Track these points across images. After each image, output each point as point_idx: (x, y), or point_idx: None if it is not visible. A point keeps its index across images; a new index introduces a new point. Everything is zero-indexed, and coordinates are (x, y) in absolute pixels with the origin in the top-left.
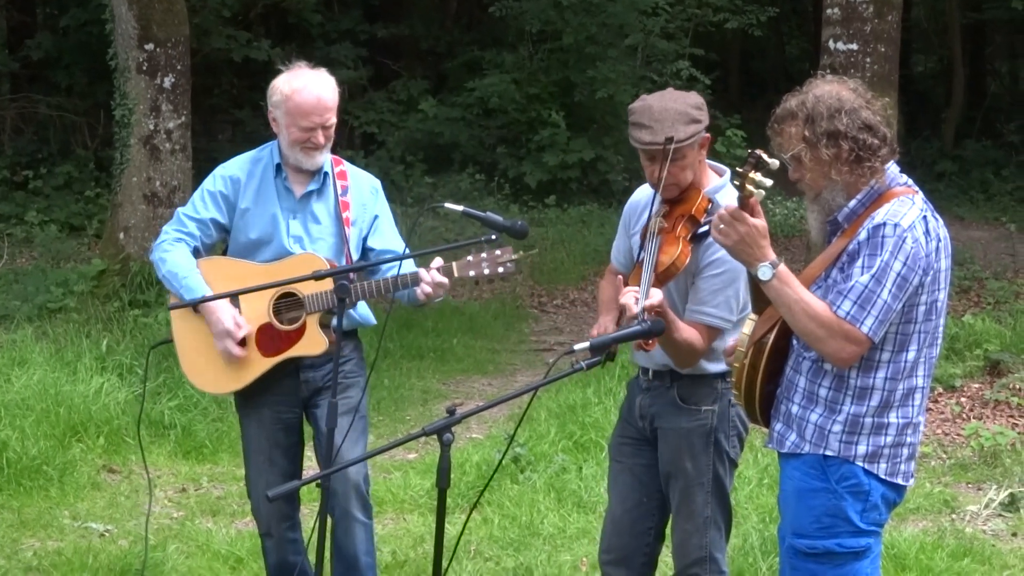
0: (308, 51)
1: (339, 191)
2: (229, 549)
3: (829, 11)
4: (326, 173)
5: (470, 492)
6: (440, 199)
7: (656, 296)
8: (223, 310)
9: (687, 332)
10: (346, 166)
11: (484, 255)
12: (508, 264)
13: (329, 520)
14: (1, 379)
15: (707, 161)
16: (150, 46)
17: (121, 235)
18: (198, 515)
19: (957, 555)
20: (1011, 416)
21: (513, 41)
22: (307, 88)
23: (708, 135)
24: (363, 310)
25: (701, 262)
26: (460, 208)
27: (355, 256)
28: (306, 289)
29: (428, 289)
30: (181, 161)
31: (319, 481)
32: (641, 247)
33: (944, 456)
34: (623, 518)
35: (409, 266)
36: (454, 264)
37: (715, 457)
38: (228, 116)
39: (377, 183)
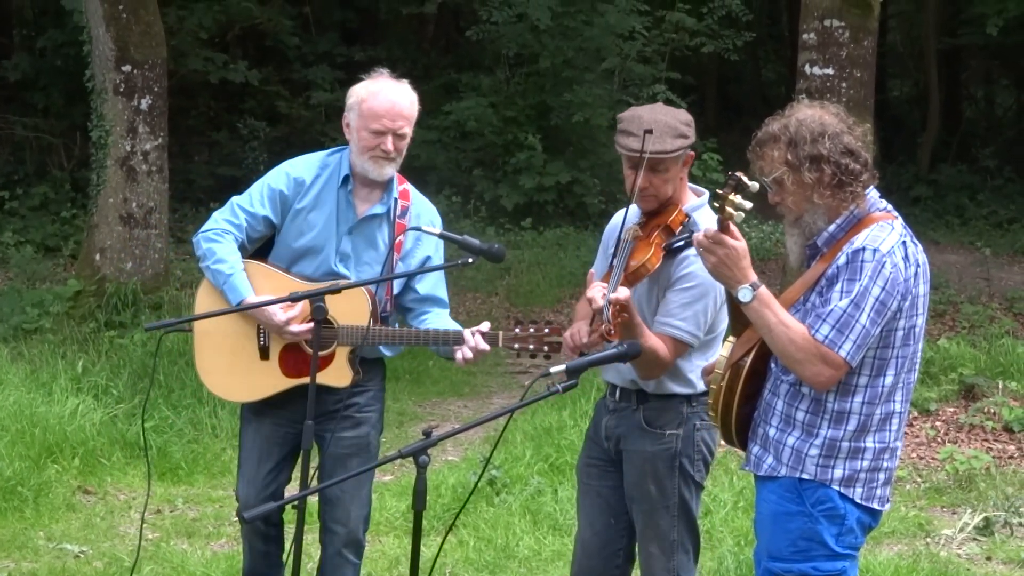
0: (285, 73)
1: (397, 212)
2: (204, 571)
3: (805, 36)
4: (395, 199)
5: (446, 514)
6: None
7: (623, 292)
8: (271, 308)
9: (652, 340)
10: (409, 187)
11: (532, 330)
12: (554, 343)
13: (319, 551)
14: None
15: (688, 183)
16: (127, 68)
17: (97, 256)
18: (173, 537)
19: None
20: (986, 440)
21: (490, 64)
22: (383, 92)
23: (692, 152)
24: None
25: (673, 275)
26: (437, 231)
27: (396, 291)
28: (342, 320)
29: (469, 354)
30: (158, 182)
31: (303, 502)
32: (615, 255)
33: (919, 480)
34: (592, 540)
35: (451, 321)
36: (500, 334)
37: (680, 481)
38: (205, 138)
39: (437, 218)
